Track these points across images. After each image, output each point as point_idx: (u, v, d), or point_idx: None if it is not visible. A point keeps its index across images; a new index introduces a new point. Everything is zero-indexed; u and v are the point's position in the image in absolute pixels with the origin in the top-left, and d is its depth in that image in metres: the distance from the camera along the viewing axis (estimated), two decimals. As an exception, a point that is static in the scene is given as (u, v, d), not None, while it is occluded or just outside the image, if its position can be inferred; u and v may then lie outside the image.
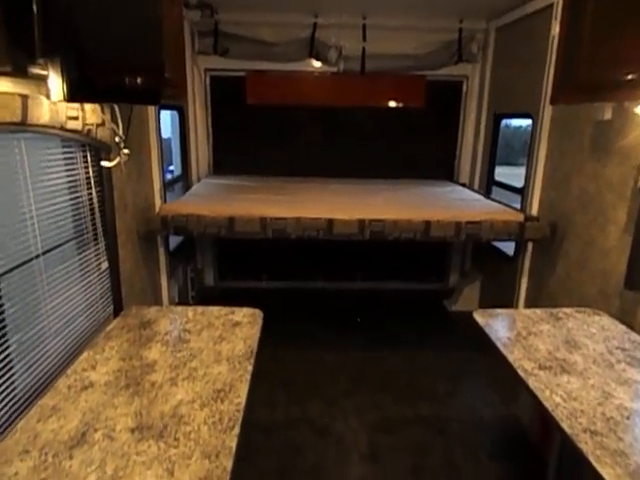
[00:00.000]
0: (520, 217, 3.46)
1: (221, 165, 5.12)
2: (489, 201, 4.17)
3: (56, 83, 1.34)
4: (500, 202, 4.04)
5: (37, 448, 1.47)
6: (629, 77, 1.97)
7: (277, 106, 4.92)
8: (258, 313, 2.43)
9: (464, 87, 4.98)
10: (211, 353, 2.03)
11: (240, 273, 5.35)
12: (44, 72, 1.38)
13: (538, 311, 2.58)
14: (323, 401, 3.32)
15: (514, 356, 2.07)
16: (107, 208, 2.49)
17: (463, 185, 4.99)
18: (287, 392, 3.40)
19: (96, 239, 2.43)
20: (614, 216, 2.75)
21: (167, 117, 5.03)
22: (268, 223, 3.33)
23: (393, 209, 3.51)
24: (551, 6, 3.38)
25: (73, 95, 1.33)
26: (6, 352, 1.74)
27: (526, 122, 3.96)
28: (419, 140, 5.12)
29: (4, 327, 1.75)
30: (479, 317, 2.47)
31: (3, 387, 1.72)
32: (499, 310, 2.59)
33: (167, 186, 3.81)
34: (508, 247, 4.30)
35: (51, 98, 1.41)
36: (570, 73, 2.44)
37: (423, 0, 3.93)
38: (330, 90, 4.89)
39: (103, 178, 2.44)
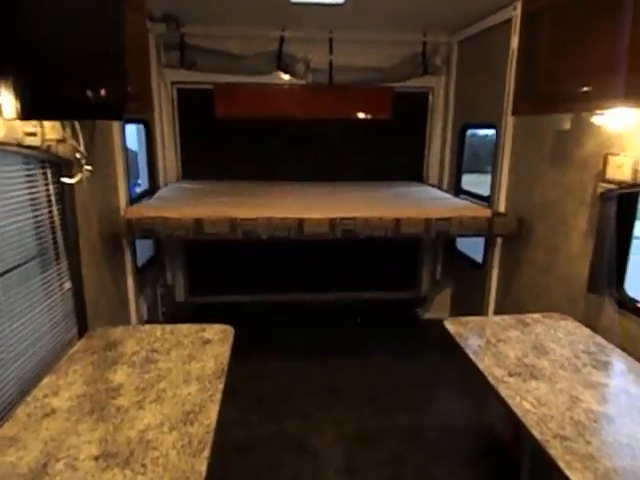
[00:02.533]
0: (488, 213, 3.54)
1: (190, 174, 5.05)
2: (458, 199, 4.24)
3: (8, 101, 1.28)
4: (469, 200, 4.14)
5: (-7, 483, 1.39)
6: (585, 89, 2.05)
7: (246, 118, 4.91)
8: (229, 330, 2.39)
9: (430, 98, 5.08)
10: (180, 373, 1.98)
11: (211, 288, 5.26)
12: (-5, 90, 1.32)
13: (507, 317, 2.63)
14: (299, 416, 3.28)
15: (484, 364, 2.10)
16: (69, 226, 2.41)
17: (432, 186, 5.08)
18: (262, 408, 3.35)
19: (58, 258, 2.35)
20: (575, 223, 2.83)
21: (133, 129, 4.95)
22: (238, 224, 3.27)
23: (364, 208, 3.52)
24: (509, 20, 3.49)
25: (27, 113, 1.28)
26: (-40, 381, 1.65)
27: (492, 131, 4.06)
28: (389, 146, 5.19)
29: (-42, 355, 1.66)
30: (450, 325, 2.50)
31: (-43, 419, 1.63)
32: (469, 318, 2.62)
33: (134, 201, 3.73)
34: (477, 254, 4.38)
35: (3, 116, 1.35)
36: (529, 85, 2.52)
37: (386, 15, 3.99)
38: (299, 102, 4.91)
39: (65, 195, 2.36)
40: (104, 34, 1.54)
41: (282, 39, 4.58)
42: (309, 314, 5.05)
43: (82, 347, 2.24)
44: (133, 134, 4.90)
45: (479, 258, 4.30)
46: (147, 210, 3.41)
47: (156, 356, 2.13)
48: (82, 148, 2.17)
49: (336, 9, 3.69)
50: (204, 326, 2.44)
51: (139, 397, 1.81)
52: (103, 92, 1.61)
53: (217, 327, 2.42)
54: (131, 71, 2.23)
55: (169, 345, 2.24)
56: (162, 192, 4.37)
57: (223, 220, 3.27)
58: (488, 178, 4.12)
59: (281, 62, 4.67)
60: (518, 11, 3.32)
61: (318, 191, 4.41)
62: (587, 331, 2.48)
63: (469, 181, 4.90)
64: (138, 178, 5.14)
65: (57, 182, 2.28)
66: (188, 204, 3.64)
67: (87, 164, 2.26)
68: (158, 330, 2.40)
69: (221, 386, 1.88)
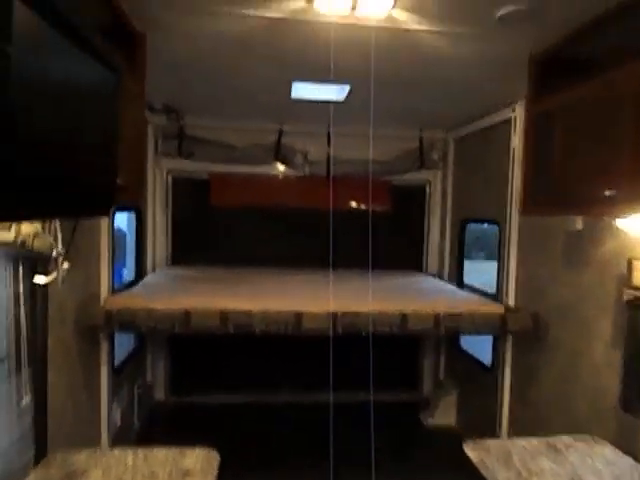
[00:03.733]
0: (501, 309, 3.30)
1: (180, 260, 4.84)
2: (464, 292, 4.03)
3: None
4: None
5: None
6: (607, 193, 1.93)
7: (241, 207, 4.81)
8: (214, 456, 2.03)
9: (427, 191, 5.08)
10: (151, 522, 1.60)
11: (195, 386, 4.83)
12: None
13: (534, 441, 2.29)
14: None
15: (520, 508, 1.75)
16: (38, 329, 2.13)
17: (432, 275, 4.90)
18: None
19: (19, 368, 2.03)
20: (598, 329, 2.60)
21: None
22: (230, 317, 2.99)
23: (365, 299, 3.26)
24: (509, 120, 3.52)
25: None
26: None
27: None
28: (387, 237, 5.06)
29: None
30: (470, 451, 2.16)
31: None
32: (491, 441, 2.29)
33: (118, 289, 3.46)
34: (482, 354, 4.09)
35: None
36: (541, 186, 2.42)
37: (384, 112, 4.06)
38: (295, 193, 4.85)
39: (37, 293, 2.10)
40: (97, 129, 1.39)
41: (281, 132, 4.62)
42: (300, 417, 4.59)
43: (36, 478, 1.86)
44: (123, 215, 4.75)
45: (486, 359, 3.99)
46: (129, 300, 3.12)
47: (123, 494, 1.76)
48: (60, 245, 1.96)
49: (335, 105, 3.73)
50: (184, 450, 2.07)
51: None
52: (89, 189, 1.43)
53: (199, 452, 2.05)
54: (125, 162, 2.09)
55: (141, 477, 1.87)
56: (149, 278, 4.13)
57: (213, 312, 2.99)
58: (475, 265, 3.96)
59: (279, 154, 4.69)
60: (517, 112, 3.36)
61: (315, 279, 4.17)
62: (628, 460, 2.15)
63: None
64: (125, 260, 4.92)
65: (29, 279, 2.03)
66: (175, 293, 3.37)
67: (65, 261, 2.03)
68: (129, 456, 2.02)
69: (201, 543, 1.51)
